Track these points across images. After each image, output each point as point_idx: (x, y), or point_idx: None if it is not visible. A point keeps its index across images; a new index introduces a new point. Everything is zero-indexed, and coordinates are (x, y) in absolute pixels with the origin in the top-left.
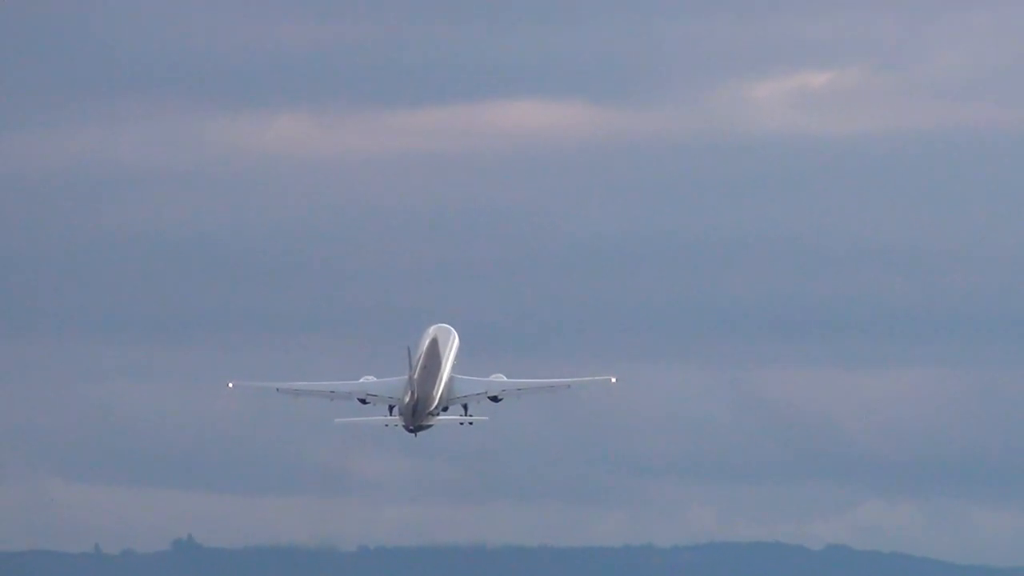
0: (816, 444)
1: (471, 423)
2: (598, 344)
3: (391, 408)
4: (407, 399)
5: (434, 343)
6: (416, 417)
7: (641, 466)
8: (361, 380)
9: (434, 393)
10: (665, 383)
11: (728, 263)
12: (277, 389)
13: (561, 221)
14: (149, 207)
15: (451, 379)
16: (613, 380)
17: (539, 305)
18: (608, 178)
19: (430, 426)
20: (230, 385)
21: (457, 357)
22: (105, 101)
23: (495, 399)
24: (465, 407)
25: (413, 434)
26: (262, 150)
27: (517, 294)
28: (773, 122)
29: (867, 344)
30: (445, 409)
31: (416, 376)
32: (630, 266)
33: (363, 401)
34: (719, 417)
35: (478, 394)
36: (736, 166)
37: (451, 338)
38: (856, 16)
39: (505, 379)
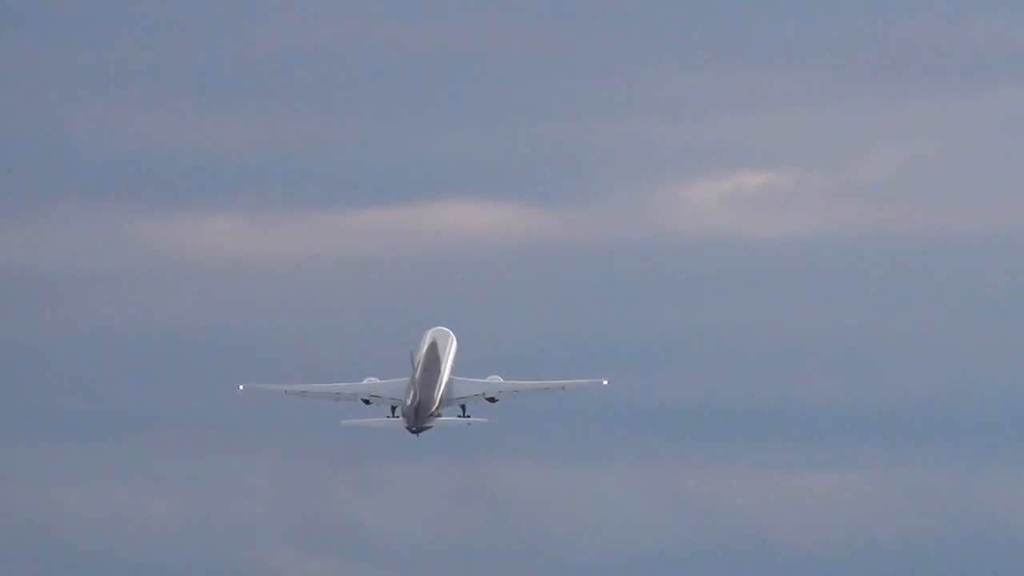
0: (746, 548)
1: (469, 423)
2: None
3: (393, 409)
4: (409, 401)
5: (433, 346)
6: (419, 418)
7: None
8: (364, 382)
9: (435, 395)
10: (592, 484)
11: (661, 363)
12: (285, 391)
13: (493, 324)
14: (83, 309)
15: (450, 380)
16: (605, 383)
17: None
18: (543, 279)
19: (431, 427)
20: (240, 388)
21: (455, 359)
22: (37, 202)
23: (492, 400)
24: (463, 407)
25: (416, 435)
26: (196, 251)
27: None
28: (708, 223)
29: (802, 446)
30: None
31: (418, 378)
32: (561, 368)
33: (366, 402)
34: (647, 519)
35: (476, 395)
36: (671, 267)
37: (450, 341)
38: (792, 117)
39: (501, 380)
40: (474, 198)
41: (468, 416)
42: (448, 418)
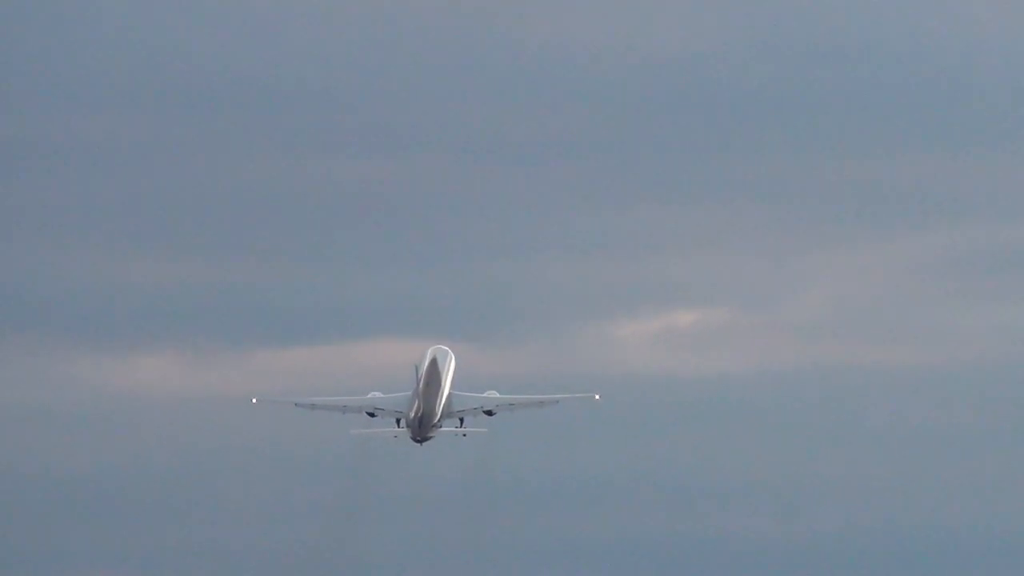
0: None
1: (464, 435)
2: None
3: (398, 421)
4: (413, 413)
5: (434, 363)
6: (422, 429)
7: None
8: (369, 396)
9: (436, 408)
10: None
11: (592, 504)
12: (295, 404)
13: (422, 463)
14: (13, 449)
15: (450, 395)
16: (597, 397)
17: None
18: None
19: (432, 437)
20: (254, 401)
21: (455, 375)
22: None
23: (490, 413)
24: (461, 420)
25: (419, 444)
26: (127, 390)
27: None
28: (639, 362)
29: None
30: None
31: (421, 391)
32: (497, 509)
33: (371, 414)
34: None
35: (474, 408)
36: (603, 406)
37: (449, 358)
38: (722, 256)
39: (498, 395)
40: (406, 337)
41: (463, 428)
42: (449, 429)
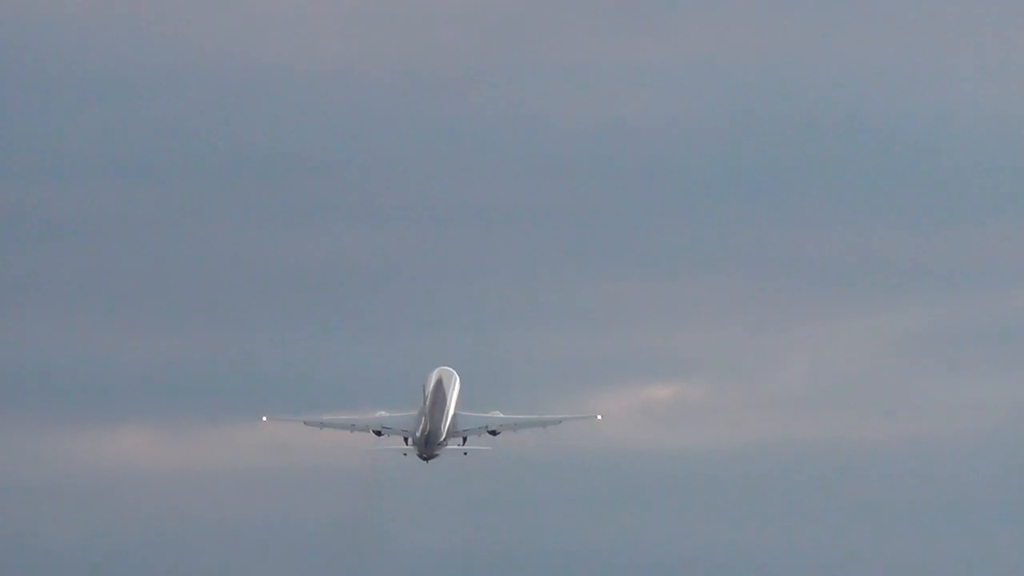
0: None
1: (465, 453)
2: None
3: (406, 439)
4: (419, 432)
5: (439, 383)
6: (428, 447)
7: None
8: (376, 415)
9: (442, 427)
10: None
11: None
12: (304, 422)
13: (400, 542)
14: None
15: (455, 415)
16: (599, 418)
17: None
18: (448, 499)
19: (438, 455)
20: (264, 419)
21: (459, 396)
22: None
23: (494, 432)
24: (464, 439)
25: (426, 461)
26: (107, 463)
27: None
28: (616, 436)
29: None
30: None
31: (427, 411)
32: None
33: (378, 433)
34: None
35: (479, 428)
36: (579, 481)
37: (453, 379)
38: (701, 329)
39: (501, 415)
40: (388, 408)
41: (465, 446)
42: (454, 447)
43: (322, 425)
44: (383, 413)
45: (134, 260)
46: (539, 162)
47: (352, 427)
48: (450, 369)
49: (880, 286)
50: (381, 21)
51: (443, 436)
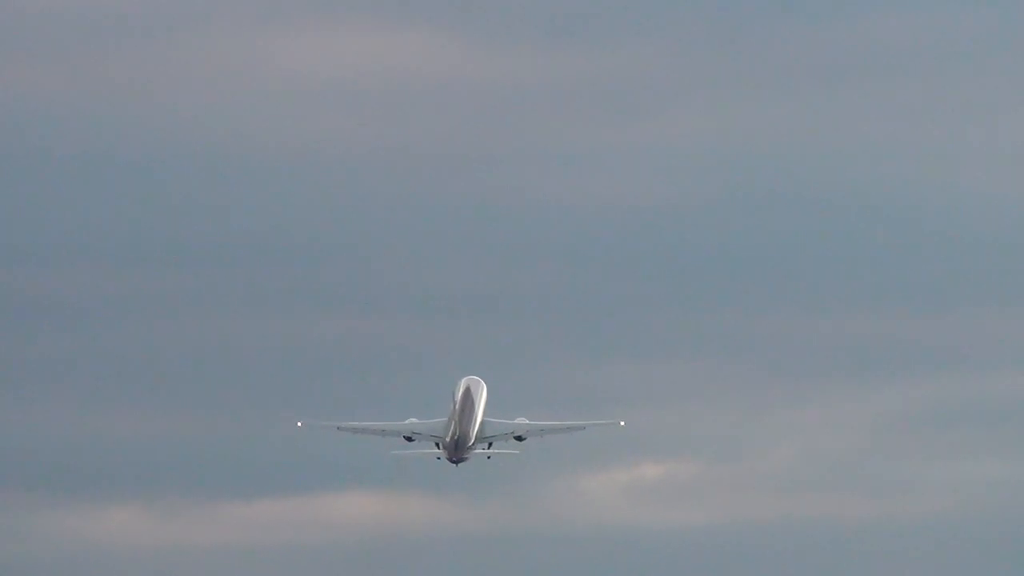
0: None
1: (489, 457)
2: None
3: (437, 444)
4: (449, 437)
5: (467, 391)
6: (458, 451)
7: None
8: (407, 421)
9: (471, 432)
10: None
11: None
12: (338, 427)
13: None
14: None
15: (483, 422)
16: (622, 424)
17: None
18: (433, 570)
19: (467, 459)
20: (299, 424)
21: (487, 403)
22: None
23: (520, 438)
24: (490, 443)
25: (455, 464)
26: (95, 541)
27: None
28: (607, 515)
29: None
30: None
31: (457, 417)
32: None
33: (408, 438)
34: None
35: (506, 434)
36: (570, 559)
37: (481, 387)
38: (691, 409)
39: (527, 421)
40: (374, 490)
41: (490, 450)
42: (481, 451)
43: (355, 431)
44: (414, 420)
45: (135, 341)
46: (528, 243)
47: (383, 433)
48: (477, 378)
49: (871, 367)
50: (375, 101)
51: (471, 440)
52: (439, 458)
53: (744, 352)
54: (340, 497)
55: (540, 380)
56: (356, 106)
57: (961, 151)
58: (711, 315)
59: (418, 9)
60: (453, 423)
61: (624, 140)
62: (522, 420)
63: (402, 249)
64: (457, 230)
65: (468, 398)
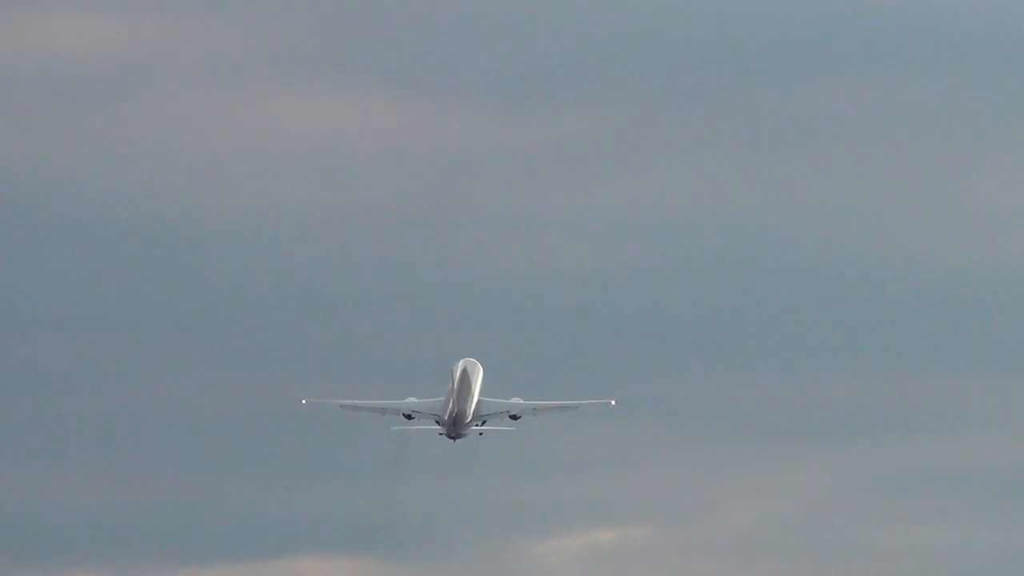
0: None
1: (480, 433)
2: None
3: (437, 421)
4: (447, 415)
5: (465, 372)
6: (456, 427)
7: None
8: (407, 400)
9: (468, 410)
10: None
11: None
12: (340, 405)
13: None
14: None
15: (479, 401)
16: (612, 403)
17: None
18: None
19: (466, 435)
20: (304, 401)
21: (483, 383)
22: None
23: (515, 417)
24: (483, 421)
25: (453, 440)
26: None
27: None
28: None
29: None
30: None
31: (456, 395)
32: None
33: (408, 416)
34: None
35: (500, 413)
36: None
37: (477, 368)
38: (644, 473)
39: (522, 401)
40: (327, 553)
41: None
42: (477, 427)
43: (356, 408)
44: (413, 399)
45: (80, 405)
46: (484, 307)
47: (384, 411)
48: (474, 360)
49: (825, 431)
50: (331, 165)
51: (469, 418)
52: (441, 434)
53: (695, 415)
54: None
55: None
56: (312, 170)
57: (914, 214)
58: (665, 377)
59: (374, 74)
60: (451, 401)
61: (578, 203)
62: (516, 399)
63: (362, 309)
64: (412, 292)
65: (465, 378)
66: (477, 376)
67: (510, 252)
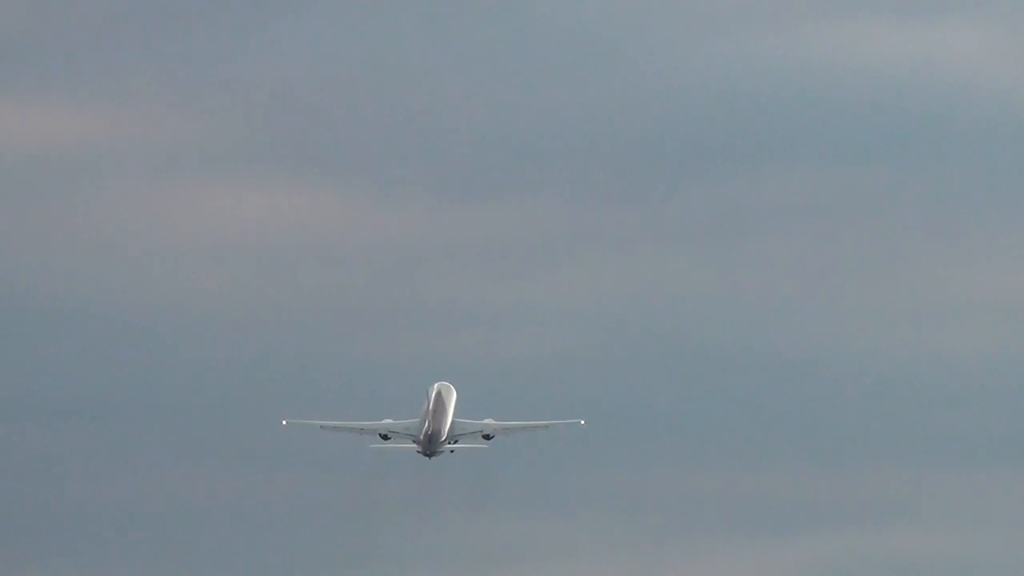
0: None
1: (452, 451)
2: None
3: (414, 440)
4: (422, 434)
5: (439, 394)
6: (431, 445)
7: None
8: (384, 421)
9: (443, 429)
10: None
11: None
12: (320, 426)
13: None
14: None
15: (453, 422)
16: (582, 423)
17: None
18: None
19: (441, 452)
20: (284, 422)
21: (456, 405)
22: None
23: (488, 437)
24: (456, 440)
25: (428, 458)
26: None
27: None
28: None
29: None
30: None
31: (431, 415)
32: None
33: (384, 436)
34: None
35: (474, 433)
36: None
37: (451, 391)
38: (573, 570)
39: (494, 422)
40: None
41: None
42: (451, 446)
43: (335, 429)
44: (389, 420)
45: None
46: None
47: (362, 431)
48: (447, 383)
49: (766, 522)
50: (270, 259)
51: (444, 437)
52: (418, 451)
53: (636, 507)
54: None
55: None
56: (251, 264)
57: (863, 305)
58: (601, 471)
59: (316, 165)
60: (427, 422)
61: (522, 296)
62: (489, 420)
63: (298, 401)
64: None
65: (440, 400)
66: (451, 398)
67: (457, 345)
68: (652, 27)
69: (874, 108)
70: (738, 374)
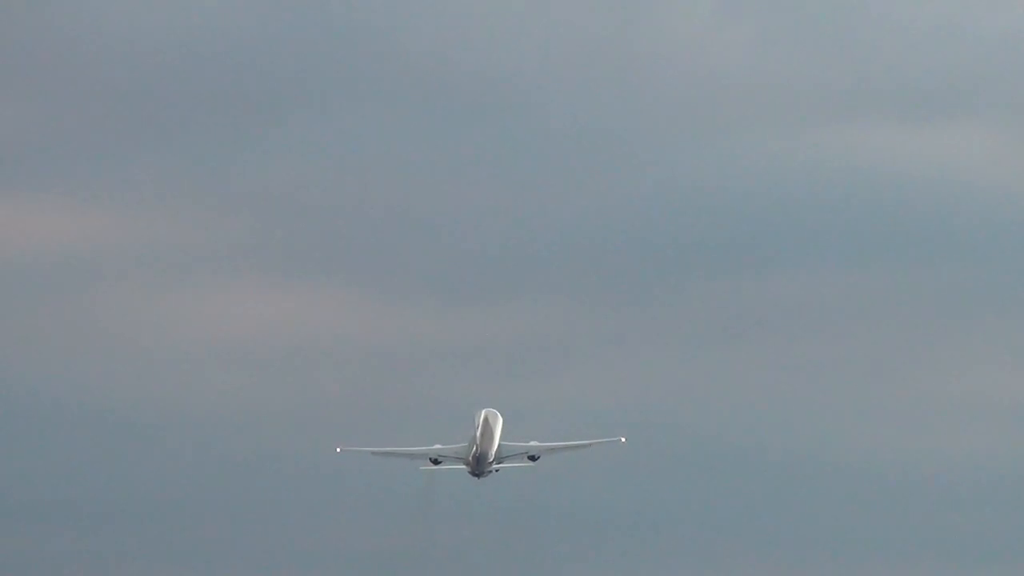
0: None
1: (497, 470)
2: None
3: (464, 462)
4: (471, 456)
5: (486, 420)
6: (480, 466)
7: None
8: (434, 446)
9: (490, 451)
10: None
11: None
12: (372, 452)
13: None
14: None
15: (500, 445)
16: (623, 440)
17: None
18: None
19: (490, 472)
20: (338, 450)
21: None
22: None
23: (533, 458)
24: (501, 461)
25: (477, 478)
26: None
27: None
28: None
29: None
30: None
31: (479, 439)
32: None
33: (435, 461)
34: None
35: (520, 454)
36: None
37: (497, 417)
38: None
39: (538, 443)
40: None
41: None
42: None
43: (388, 455)
44: (439, 445)
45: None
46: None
47: (412, 456)
48: (494, 410)
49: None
50: (270, 360)
51: (491, 459)
52: (468, 472)
53: None
54: None
55: None
56: (252, 365)
57: (863, 406)
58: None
59: (314, 267)
60: (475, 446)
61: (526, 395)
62: (534, 442)
63: (307, 505)
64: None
65: (487, 425)
66: (498, 423)
67: None
68: (658, 131)
69: (878, 211)
70: (742, 470)
